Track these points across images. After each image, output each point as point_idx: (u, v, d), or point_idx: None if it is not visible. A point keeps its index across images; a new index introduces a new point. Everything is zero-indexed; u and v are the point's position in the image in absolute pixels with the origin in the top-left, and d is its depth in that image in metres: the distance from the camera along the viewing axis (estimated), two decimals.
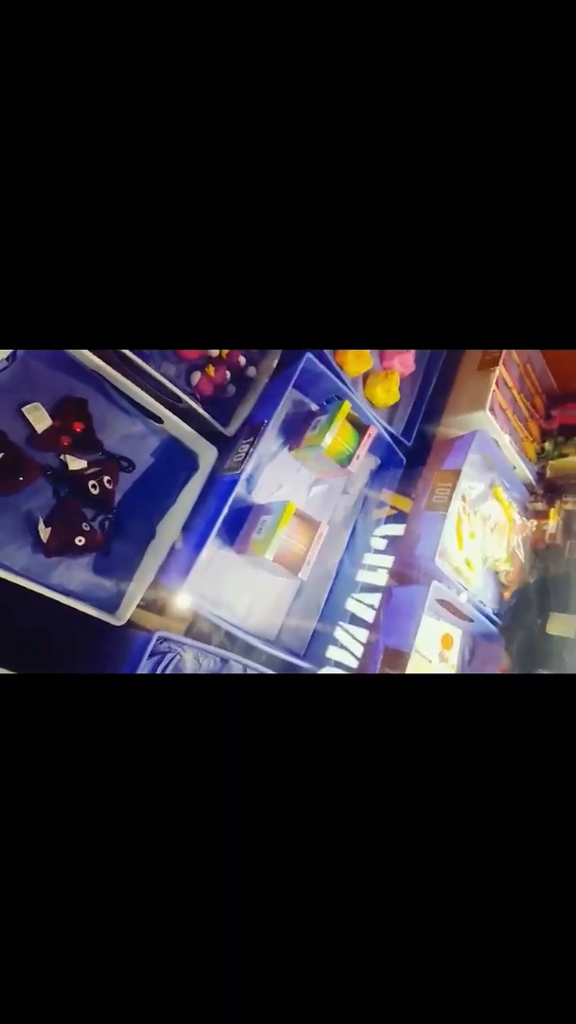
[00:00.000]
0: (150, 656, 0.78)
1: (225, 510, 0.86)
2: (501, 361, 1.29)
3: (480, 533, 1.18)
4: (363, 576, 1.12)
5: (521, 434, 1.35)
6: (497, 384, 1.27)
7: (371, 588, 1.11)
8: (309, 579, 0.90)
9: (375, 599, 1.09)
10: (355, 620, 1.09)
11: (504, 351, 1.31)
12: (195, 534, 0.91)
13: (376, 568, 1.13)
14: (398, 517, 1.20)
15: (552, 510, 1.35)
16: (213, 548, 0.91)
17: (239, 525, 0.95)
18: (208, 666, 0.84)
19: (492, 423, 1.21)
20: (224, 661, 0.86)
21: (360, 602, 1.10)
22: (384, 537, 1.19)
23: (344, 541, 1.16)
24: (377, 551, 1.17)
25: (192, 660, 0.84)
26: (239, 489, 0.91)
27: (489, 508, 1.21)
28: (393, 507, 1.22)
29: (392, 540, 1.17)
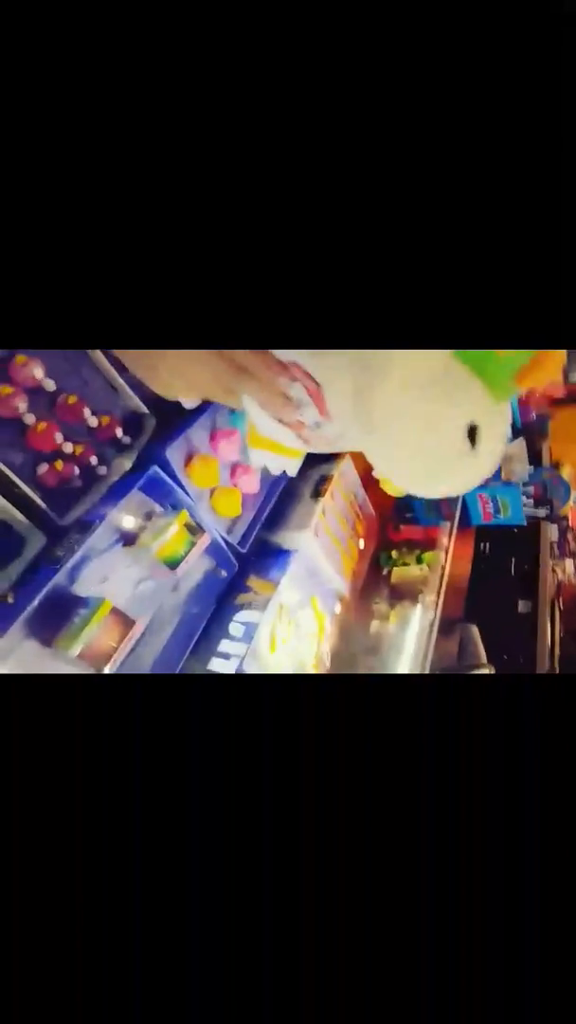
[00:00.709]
0: None
1: (36, 600, 0.88)
2: (329, 491, 1.55)
3: (292, 639, 1.33)
4: (216, 665, 1.20)
5: (340, 554, 1.59)
6: (324, 510, 1.51)
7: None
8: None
9: None
10: None
11: (332, 482, 1.58)
12: (1, 619, 0.91)
13: (230, 656, 1.21)
14: (259, 604, 1.31)
15: (392, 612, 1.58)
16: (17, 636, 0.91)
17: (50, 616, 0.97)
18: None
19: (314, 543, 1.42)
20: None
21: None
22: (243, 623, 1.28)
23: (164, 640, 1.22)
24: (235, 639, 1.26)
25: None
26: (60, 578, 0.95)
27: (303, 616, 1.38)
28: (256, 592, 1.33)
29: (248, 626, 1.26)
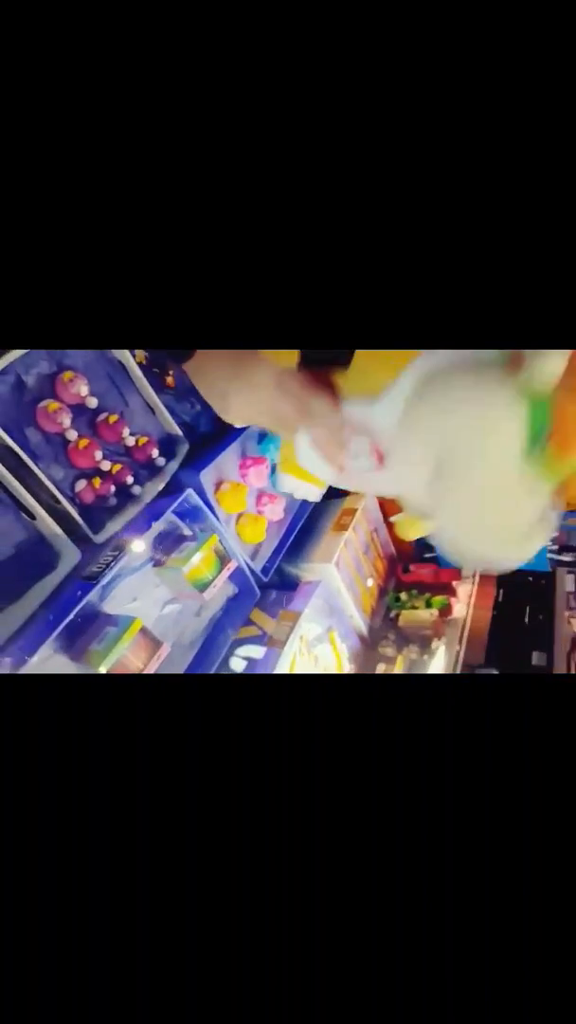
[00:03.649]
0: None
1: (71, 615, 0.88)
2: (352, 526, 1.56)
3: (313, 672, 1.31)
4: None
5: (360, 589, 1.58)
6: (346, 544, 1.51)
7: None
8: None
9: None
10: None
11: (356, 516, 1.60)
12: (35, 632, 0.91)
13: None
14: (260, 639, 1.30)
15: (399, 657, 1.55)
16: (48, 650, 0.91)
17: (82, 632, 0.97)
18: None
19: (336, 576, 1.42)
20: None
21: None
22: (245, 658, 1.26)
23: (187, 662, 1.21)
24: (235, 672, 1.24)
25: None
26: (92, 596, 0.95)
27: (322, 650, 1.37)
28: (259, 627, 1.32)
29: (251, 662, 1.24)
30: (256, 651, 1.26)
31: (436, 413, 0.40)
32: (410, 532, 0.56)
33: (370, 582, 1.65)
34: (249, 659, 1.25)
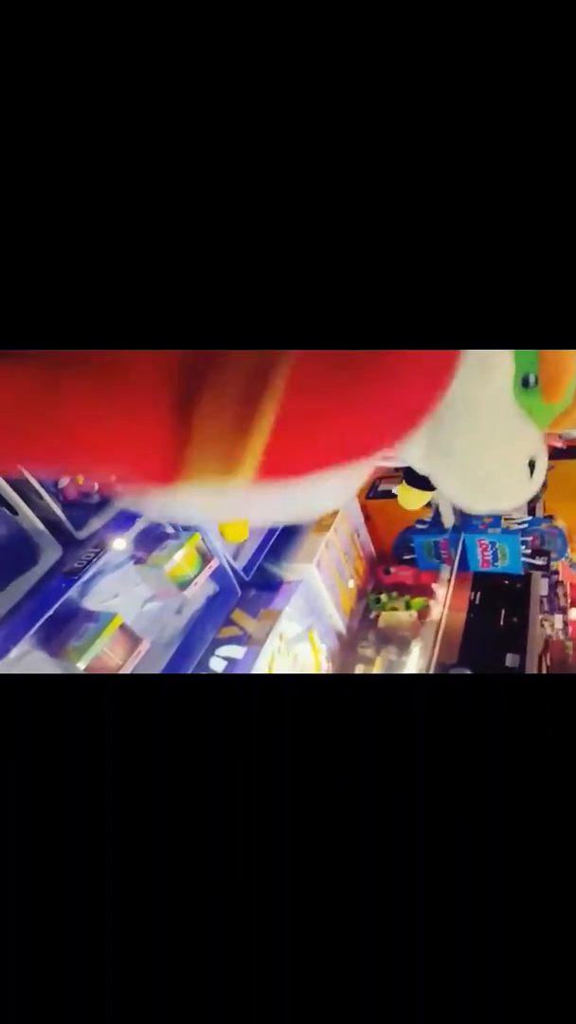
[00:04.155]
0: None
1: (51, 610, 0.89)
2: (333, 527, 1.58)
3: (290, 671, 1.33)
4: None
5: (340, 590, 1.61)
6: (327, 545, 1.54)
7: None
8: None
9: None
10: None
11: (337, 519, 1.62)
12: (15, 626, 0.91)
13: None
14: (240, 639, 1.31)
15: (378, 658, 1.58)
16: (27, 646, 0.91)
17: (61, 627, 0.97)
18: None
19: (316, 576, 1.44)
20: None
21: None
22: (225, 658, 1.27)
23: (165, 661, 1.22)
24: (215, 672, 1.24)
25: None
26: (72, 592, 0.95)
27: (301, 649, 1.39)
28: (240, 627, 1.34)
29: (232, 662, 1.25)
30: (236, 651, 1.28)
31: None
32: (411, 501, 0.58)
33: (351, 583, 1.68)
34: (229, 659, 1.27)
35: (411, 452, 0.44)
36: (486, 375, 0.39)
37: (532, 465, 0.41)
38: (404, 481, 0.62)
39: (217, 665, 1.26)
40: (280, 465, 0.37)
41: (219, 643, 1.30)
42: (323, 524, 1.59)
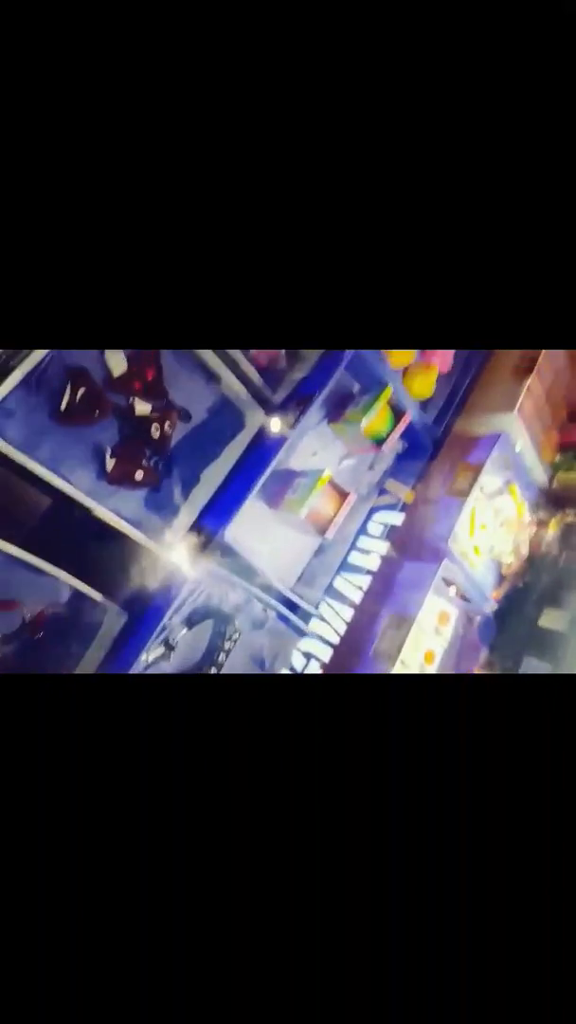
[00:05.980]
0: (184, 587, 0.90)
1: (268, 470, 0.96)
2: (536, 369, 1.36)
3: (491, 525, 1.28)
4: (355, 558, 1.26)
5: (541, 440, 1.43)
6: (528, 390, 1.34)
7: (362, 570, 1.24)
8: (331, 540, 1.01)
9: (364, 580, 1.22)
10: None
11: (540, 359, 1.38)
12: (237, 486, 1.01)
13: (369, 552, 1.26)
14: (399, 505, 1.31)
15: (553, 520, 1.44)
16: (252, 501, 1.01)
17: (276, 484, 1.05)
18: (234, 600, 0.96)
19: (518, 425, 1.29)
20: (248, 597, 0.97)
21: (348, 581, 1.24)
22: (382, 524, 1.30)
23: (364, 514, 1.26)
24: (372, 536, 1.29)
25: (219, 593, 0.95)
26: (280, 452, 1.01)
27: (503, 503, 1.30)
28: (394, 495, 1.32)
29: (389, 528, 1.28)
30: (395, 517, 1.28)
31: None
32: None
33: (554, 433, 1.47)
34: (385, 524, 1.28)
35: None
36: None
37: None
38: None
39: (375, 530, 1.29)
40: None
41: (376, 509, 1.31)
42: (523, 366, 1.38)
